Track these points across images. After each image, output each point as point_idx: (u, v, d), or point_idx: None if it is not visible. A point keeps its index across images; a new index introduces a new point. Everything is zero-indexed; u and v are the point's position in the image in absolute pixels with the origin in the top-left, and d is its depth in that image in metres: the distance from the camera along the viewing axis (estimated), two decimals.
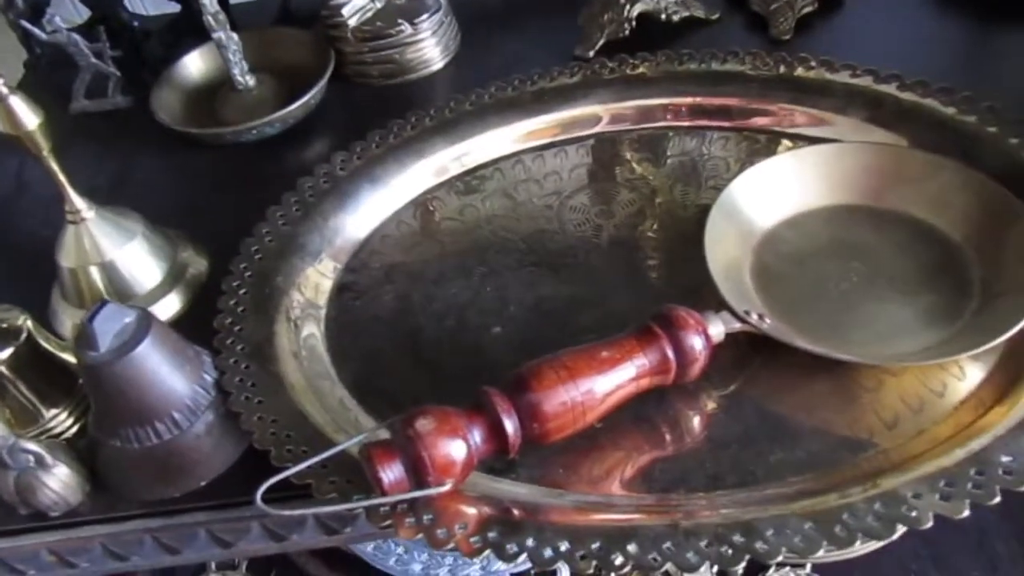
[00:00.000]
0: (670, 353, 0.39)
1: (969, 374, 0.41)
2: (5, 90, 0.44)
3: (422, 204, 0.56)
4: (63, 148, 0.67)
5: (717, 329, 0.41)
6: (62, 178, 0.48)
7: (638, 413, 0.41)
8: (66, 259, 0.50)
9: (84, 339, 0.39)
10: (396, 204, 0.55)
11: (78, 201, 0.49)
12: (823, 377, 0.42)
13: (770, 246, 0.48)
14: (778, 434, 0.40)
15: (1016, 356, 0.41)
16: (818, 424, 0.40)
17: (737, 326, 0.41)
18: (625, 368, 0.39)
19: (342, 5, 0.65)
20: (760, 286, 0.46)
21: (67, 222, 0.49)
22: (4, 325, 0.45)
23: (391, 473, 0.34)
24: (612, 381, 0.38)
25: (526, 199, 0.55)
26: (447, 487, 0.34)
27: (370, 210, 0.55)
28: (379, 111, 0.63)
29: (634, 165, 0.56)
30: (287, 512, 0.36)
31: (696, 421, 0.42)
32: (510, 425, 0.36)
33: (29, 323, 0.45)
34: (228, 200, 0.59)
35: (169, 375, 0.41)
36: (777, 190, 0.49)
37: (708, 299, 0.43)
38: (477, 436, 0.36)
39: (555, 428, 0.37)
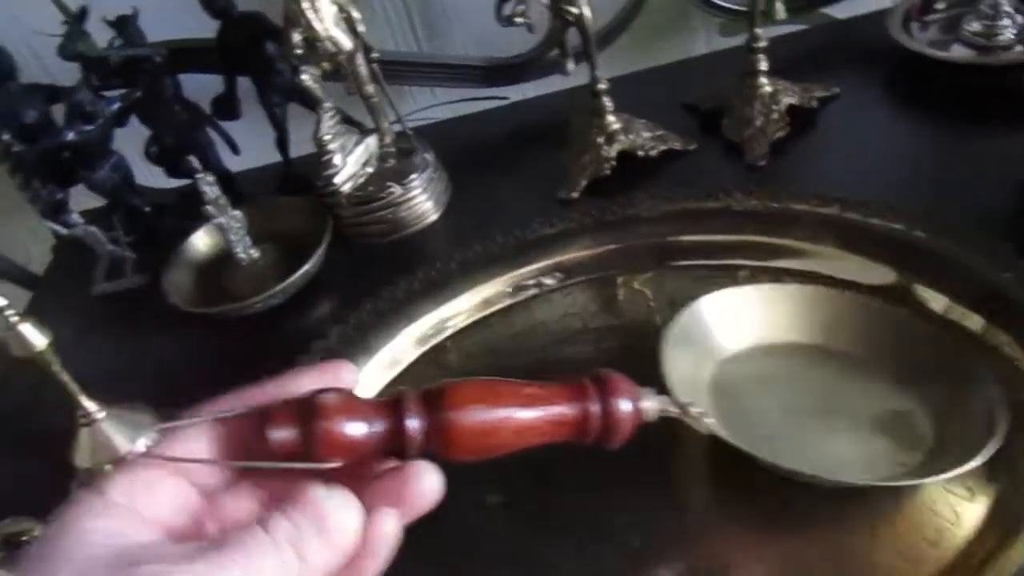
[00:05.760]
0: (595, 410, 0.37)
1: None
2: (16, 319, 0.47)
3: (414, 371, 0.57)
4: (89, 331, 0.72)
5: (651, 405, 0.39)
6: (73, 387, 0.51)
7: None
8: (81, 459, 0.52)
9: None
10: (391, 373, 0.57)
11: (89, 405, 0.52)
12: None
13: (735, 364, 0.50)
14: None
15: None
16: None
17: (674, 411, 0.40)
18: (545, 411, 0.37)
19: (334, 174, 0.68)
20: (715, 396, 0.48)
21: (80, 425, 0.52)
22: (24, 538, 0.47)
23: (280, 433, 0.33)
24: (527, 419, 0.36)
25: (515, 354, 0.56)
26: (333, 464, 0.33)
27: (366, 381, 0.56)
28: (379, 268, 0.66)
29: (619, 308, 0.57)
30: None
31: None
32: (412, 425, 0.35)
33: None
34: (237, 375, 0.61)
35: None
36: (750, 317, 0.51)
37: None
38: (378, 427, 0.34)
39: (459, 446, 0.35)
